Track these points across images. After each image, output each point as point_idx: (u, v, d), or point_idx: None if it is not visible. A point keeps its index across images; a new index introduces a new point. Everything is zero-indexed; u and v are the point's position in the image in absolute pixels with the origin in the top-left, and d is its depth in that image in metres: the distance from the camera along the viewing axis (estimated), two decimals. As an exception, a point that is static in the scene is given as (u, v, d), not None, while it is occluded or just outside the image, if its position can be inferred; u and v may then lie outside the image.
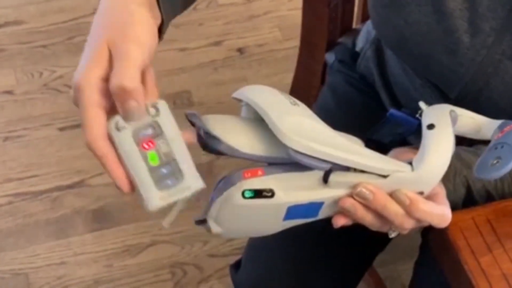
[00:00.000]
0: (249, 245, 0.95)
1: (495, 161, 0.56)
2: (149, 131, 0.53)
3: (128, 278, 1.40)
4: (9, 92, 1.69)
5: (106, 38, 0.54)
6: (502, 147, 0.58)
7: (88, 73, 0.53)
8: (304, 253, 0.88)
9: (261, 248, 0.91)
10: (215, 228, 0.58)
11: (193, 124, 0.56)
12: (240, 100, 0.59)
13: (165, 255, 1.43)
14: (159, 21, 0.60)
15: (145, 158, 0.53)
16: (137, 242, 1.45)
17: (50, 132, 1.62)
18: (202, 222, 0.58)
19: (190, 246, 1.44)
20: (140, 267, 1.41)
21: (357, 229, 0.63)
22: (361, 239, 0.85)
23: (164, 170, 0.53)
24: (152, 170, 0.53)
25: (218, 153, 0.56)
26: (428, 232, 0.70)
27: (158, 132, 0.53)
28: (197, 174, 0.54)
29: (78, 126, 1.62)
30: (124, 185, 0.53)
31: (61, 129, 1.62)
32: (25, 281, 1.38)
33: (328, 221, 0.61)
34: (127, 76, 0.51)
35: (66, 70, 1.73)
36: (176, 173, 0.53)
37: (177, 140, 0.54)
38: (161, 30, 0.61)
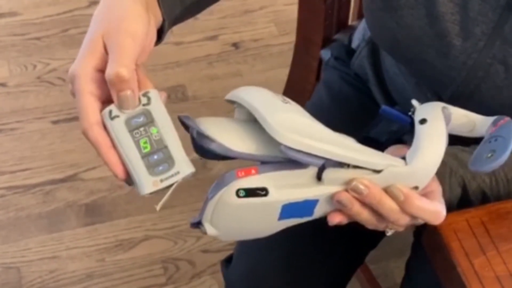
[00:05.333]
0: (240, 240, 0.94)
1: (489, 154, 0.56)
2: (141, 119, 0.55)
3: (120, 273, 1.40)
4: (2, 84, 1.68)
5: (101, 32, 0.56)
6: (496, 140, 0.58)
7: (82, 63, 0.55)
8: (295, 249, 0.88)
9: (252, 243, 0.91)
10: (210, 230, 0.57)
11: (186, 127, 0.57)
12: (233, 103, 0.59)
13: (158, 250, 1.42)
14: (159, 20, 0.62)
15: (137, 145, 0.55)
16: (130, 237, 1.44)
17: (43, 125, 1.61)
18: (198, 224, 0.58)
19: (183, 241, 1.43)
20: (133, 262, 1.41)
21: (349, 226, 0.63)
22: (353, 235, 0.85)
23: (155, 157, 0.55)
24: (144, 156, 0.55)
25: (212, 156, 0.56)
26: (421, 232, 0.70)
27: (149, 120, 0.55)
28: (187, 159, 0.55)
29: (71, 119, 1.62)
30: (118, 171, 0.55)
31: (54, 122, 1.62)
32: (16, 275, 1.38)
33: (321, 217, 0.60)
34: (123, 65, 0.54)
35: (60, 62, 1.72)
36: (167, 159, 0.55)
37: (167, 127, 0.56)
38: (163, 30, 0.63)
